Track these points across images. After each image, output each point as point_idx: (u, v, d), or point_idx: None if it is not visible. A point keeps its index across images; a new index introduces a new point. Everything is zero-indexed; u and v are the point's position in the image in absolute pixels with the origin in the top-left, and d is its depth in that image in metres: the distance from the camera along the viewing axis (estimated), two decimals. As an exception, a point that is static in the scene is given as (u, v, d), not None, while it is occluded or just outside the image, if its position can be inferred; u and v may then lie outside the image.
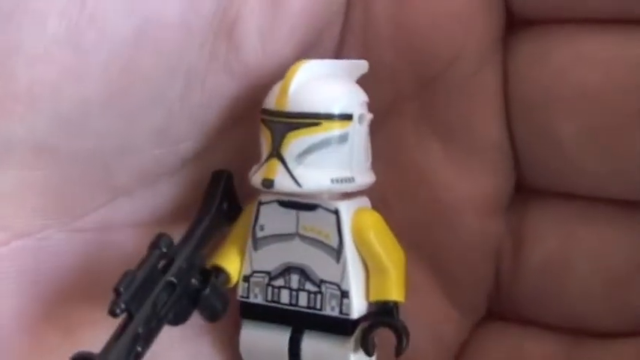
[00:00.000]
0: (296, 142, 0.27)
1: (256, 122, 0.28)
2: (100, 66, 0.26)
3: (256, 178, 0.27)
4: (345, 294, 0.28)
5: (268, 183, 0.27)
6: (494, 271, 0.31)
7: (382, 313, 0.28)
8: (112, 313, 0.25)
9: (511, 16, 0.29)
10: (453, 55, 0.29)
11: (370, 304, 0.28)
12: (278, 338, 0.28)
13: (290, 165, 0.27)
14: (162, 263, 0.26)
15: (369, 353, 0.28)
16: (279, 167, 0.27)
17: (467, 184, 0.30)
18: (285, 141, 0.27)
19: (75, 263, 0.28)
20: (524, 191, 0.30)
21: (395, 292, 0.28)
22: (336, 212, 0.27)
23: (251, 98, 0.28)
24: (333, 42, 0.30)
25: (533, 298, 0.30)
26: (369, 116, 0.28)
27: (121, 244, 0.29)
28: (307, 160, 0.27)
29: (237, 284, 0.29)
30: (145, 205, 0.29)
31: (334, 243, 0.28)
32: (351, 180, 0.28)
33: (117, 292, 0.25)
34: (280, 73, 0.28)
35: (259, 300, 0.28)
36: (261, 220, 0.28)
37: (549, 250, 0.30)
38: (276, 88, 0.27)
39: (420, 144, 0.30)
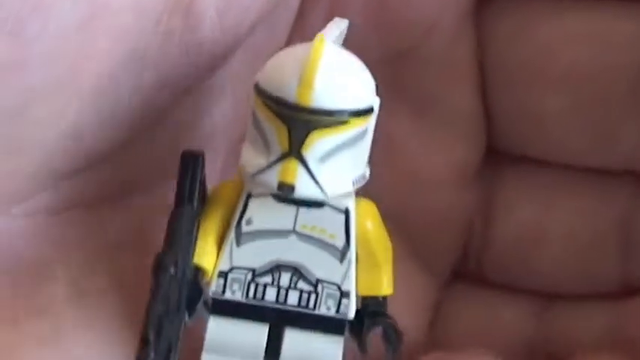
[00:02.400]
0: (321, 143, 0.23)
1: (202, 93, 0.26)
2: (46, 55, 0.23)
3: (267, 179, 0.23)
4: (345, 294, 0.25)
5: (288, 188, 0.23)
6: (464, 238, 0.30)
7: (373, 307, 0.26)
8: None
9: None
10: (426, 28, 0.28)
11: (359, 299, 0.26)
12: (255, 330, 0.25)
13: (313, 168, 0.23)
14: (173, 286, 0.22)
15: (364, 351, 0.26)
16: (300, 170, 0.23)
17: (437, 153, 0.29)
18: (309, 140, 0.23)
19: (10, 249, 0.26)
20: (497, 159, 0.30)
21: (385, 286, 0.26)
22: (346, 212, 0.25)
23: (201, 74, 0.26)
24: (290, 12, 0.28)
25: (505, 265, 0.30)
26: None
27: (67, 225, 0.26)
28: (330, 161, 0.23)
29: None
30: (91, 186, 0.26)
31: (339, 243, 0.25)
32: (364, 177, 0.25)
33: (146, 340, 0.21)
34: (235, 47, 0.26)
35: (237, 297, 0.25)
36: (249, 214, 0.24)
37: (520, 219, 0.30)
38: (290, 73, 0.23)
39: (390, 115, 0.28)
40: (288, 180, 0.23)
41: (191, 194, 0.24)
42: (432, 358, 0.29)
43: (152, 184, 0.27)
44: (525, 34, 0.28)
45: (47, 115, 0.24)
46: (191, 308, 0.24)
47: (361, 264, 0.26)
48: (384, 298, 0.26)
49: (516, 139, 0.30)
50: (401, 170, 0.29)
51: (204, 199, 0.25)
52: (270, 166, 0.23)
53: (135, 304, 0.25)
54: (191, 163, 0.24)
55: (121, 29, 0.24)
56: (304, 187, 0.23)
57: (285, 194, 0.23)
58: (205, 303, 0.25)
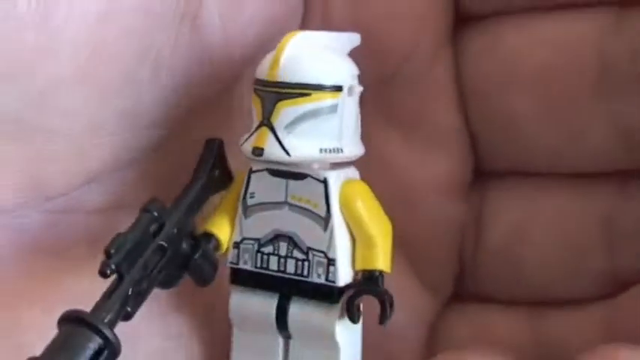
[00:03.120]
0: (285, 112, 0.27)
1: (222, 106, 0.30)
2: (71, 43, 0.26)
3: (246, 147, 0.28)
4: (331, 262, 0.28)
5: (258, 151, 0.27)
6: (458, 252, 0.32)
7: (367, 281, 0.28)
8: (103, 274, 0.25)
9: (460, 14, 0.31)
10: (406, 54, 0.31)
11: (356, 273, 0.28)
12: (266, 304, 0.29)
13: (279, 134, 0.27)
14: (153, 227, 0.27)
15: (354, 320, 0.28)
16: (269, 136, 0.27)
17: (427, 168, 0.32)
18: (276, 110, 0.27)
19: (42, 244, 0.29)
20: (483, 173, 0.32)
21: (381, 262, 0.28)
22: (325, 182, 0.28)
23: (214, 82, 0.29)
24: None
25: (495, 275, 0.32)
26: (359, 89, 0.28)
27: (87, 227, 0.29)
28: (297, 129, 0.27)
29: (227, 251, 0.29)
30: (113, 191, 0.30)
31: (322, 212, 0.28)
32: (339, 150, 0.28)
33: (107, 253, 0.26)
34: (242, 60, 0.29)
35: (248, 266, 0.29)
36: (252, 188, 0.29)
37: (507, 226, 0.32)
38: (269, 58, 0.28)
39: (380, 133, 0.32)
40: (259, 144, 0.27)
41: (203, 169, 0.29)
42: (445, 357, 0.29)
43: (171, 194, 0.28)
44: (496, 46, 0.31)
45: (72, 105, 0.26)
46: (188, 261, 0.28)
47: (357, 241, 0.28)
48: (381, 274, 0.28)
49: (496, 150, 0.31)
50: (394, 184, 0.32)
51: (226, 182, 0.30)
52: (249, 136, 0.28)
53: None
54: (210, 146, 0.29)
55: (133, 27, 0.26)
56: (270, 150, 0.27)
57: (256, 156, 0.27)
58: (213, 265, 0.28)
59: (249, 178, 0.29)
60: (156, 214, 0.27)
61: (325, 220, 0.28)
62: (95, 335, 0.24)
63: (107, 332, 0.24)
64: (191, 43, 0.28)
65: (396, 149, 0.32)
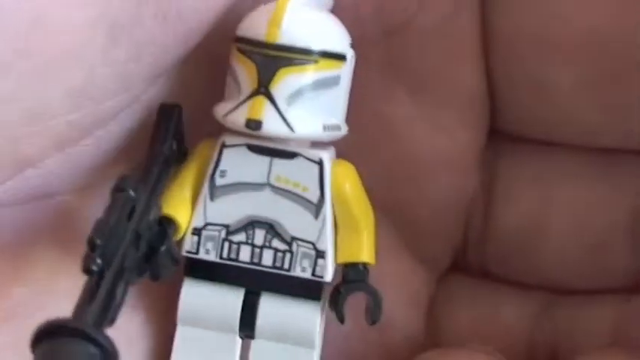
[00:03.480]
0: (289, 80, 0.23)
1: (189, 68, 0.25)
2: (2, 20, 0.21)
3: (235, 118, 0.23)
4: (320, 254, 0.24)
5: (255, 124, 0.23)
6: (463, 229, 0.29)
7: (353, 276, 0.25)
8: (88, 271, 0.20)
9: None
10: None
11: (336, 266, 0.25)
12: (229, 300, 0.25)
13: (280, 105, 0.23)
14: (127, 210, 0.22)
15: (342, 320, 0.25)
16: (268, 107, 0.23)
17: (438, 138, 0.28)
18: (276, 77, 0.23)
19: None
20: (499, 142, 0.28)
21: (365, 254, 0.25)
22: (320, 163, 0.24)
23: (179, 48, 0.24)
24: None
25: (505, 258, 0.29)
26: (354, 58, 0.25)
27: (33, 218, 0.25)
28: (299, 101, 0.23)
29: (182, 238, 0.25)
30: (58, 175, 0.25)
31: (314, 197, 0.24)
32: (338, 128, 0.24)
33: (92, 244, 0.21)
34: (211, 18, 0.24)
35: (211, 256, 0.25)
36: (224, 165, 0.24)
37: (524, 209, 0.28)
38: (262, 17, 0.23)
39: (387, 94, 0.27)
40: (256, 116, 0.23)
41: (165, 140, 0.24)
42: (429, 356, 0.27)
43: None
44: (535, 3, 0.26)
45: (7, 91, 0.22)
46: (154, 253, 0.23)
47: (340, 229, 0.25)
48: (365, 267, 0.25)
49: (521, 118, 0.28)
50: (399, 155, 0.28)
51: (183, 153, 0.25)
52: (239, 105, 0.23)
53: None
54: (166, 113, 0.24)
55: None
56: (271, 124, 0.23)
57: (251, 130, 0.23)
58: (173, 257, 0.24)
59: (220, 153, 0.24)
60: (132, 194, 0.22)
61: (317, 207, 0.24)
62: (88, 344, 0.19)
63: (102, 339, 0.19)
64: (158, 5, 0.23)
65: (402, 113, 0.27)
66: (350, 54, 0.24)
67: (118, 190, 0.22)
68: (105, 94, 0.23)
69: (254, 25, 0.23)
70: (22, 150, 0.23)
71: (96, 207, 0.24)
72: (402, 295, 0.28)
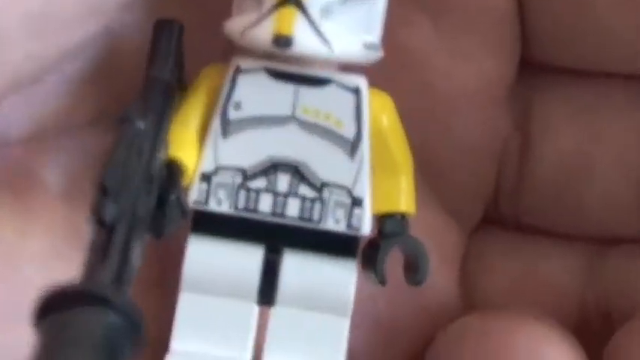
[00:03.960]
0: None
1: None
2: None
3: (258, 33, 0.19)
4: (357, 202, 0.20)
5: (284, 40, 0.19)
6: (495, 175, 0.25)
7: (392, 228, 0.21)
8: (101, 222, 0.16)
9: None
10: None
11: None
12: (245, 260, 0.20)
13: (315, 17, 0.19)
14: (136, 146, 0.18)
15: (384, 282, 0.21)
16: (300, 19, 0.19)
17: (464, 68, 0.24)
18: None
19: None
20: (532, 73, 0.25)
21: (405, 202, 0.21)
22: (357, 91, 0.20)
23: None
24: None
25: (543, 206, 0.25)
26: None
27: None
28: (335, 14, 0.19)
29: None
30: (12, 120, 0.21)
31: (349, 132, 0.20)
32: (377, 47, 0.20)
33: (104, 188, 0.16)
34: None
35: (224, 207, 0.20)
36: (238, 96, 0.20)
37: (565, 148, 0.25)
38: None
39: (406, 20, 0.24)
40: (285, 30, 0.19)
41: (165, 63, 0.19)
42: (468, 321, 0.23)
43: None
44: None
45: None
46: (162, 206, 0.19)
47: (376, 172, 0.21)
48: (404, 216, 0.21)
49: (556, 44, 0.24)
50: (421, 90, 0.24)
51: (183, 83, 0.21)
52: (262, 17, 0.19)
53: None
54: (166, 30, 0.20)
55: None
56: (305, 40, 0.19)
57: (281, 48, 0.19)
58: (182, 207, 0.20)
59: (233, 80, 0.20)
60: (141, 125, 0.18)
61: (353, 145, 0.20)
62: (108, 312, 0.15)
63: (124, 304, 0.15)
64: None
65: (421, 40, 0.24)
66: None
67: (124, 120, 0.17)
68: (70, 20, 0.19)
69: None
70: None
71: (60, 156, 0.21)
72: (434, 250, 0.24)
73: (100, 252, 0.16)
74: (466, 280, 0.25)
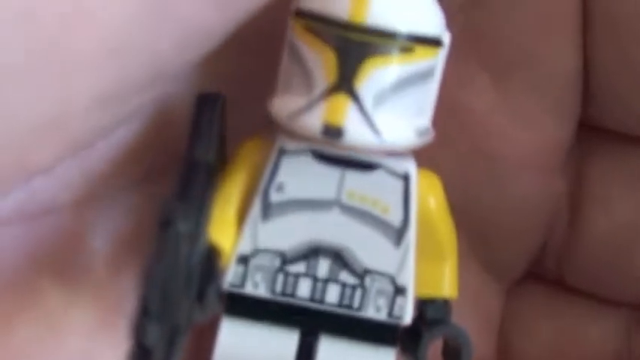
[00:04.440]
0: (379, 74, 0.18)
1: (236, 53, 0.20)
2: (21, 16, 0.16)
3: (308, 121, 0.18)
4: (400, 290, 0.19)
5: (335, 131, 0.18)
6: (543, 236, 0.24)
7: (433, 314, 0.20)
8: (140, 346, 0.15)
9: None
10: None
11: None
12: (280, 343, 0.20)
13: (367, 107, 0.18)
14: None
15: None
16: (352, 108, 0.18)
17: (523, 131, 0.23)
18: (363, 70, 0.18)
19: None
20: (590, 138, 0.24)
21: (448, 287, 0.20)
22: (406, 178, 0.19)
23: (232, 24, 0.19)
24: None
25: (591, 270, 0.24)
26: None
27: (38, 238, 0.20)
28: (389, 100, 0.18)
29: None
30: (67, 183, 0.20)
31: (396, 219, 0.19)
32: (428, 132, 0.19)
33: (145, 310, 0.15)
34: None
35: (261, 291, 0.19)
36: (282, 177, 0.19)
37: (619, 216, 0.24)
38: None
39: (466, 80, 0.23)
40: (336, 120, 0.18)
41: (208, 142, 0.18)
42: None
43: (161, 171, 0.21)
44: None
45: (17, 100, 0.17)
46: (202, 295, 0.18)
47: (420, 255, 0.20)
48: (447, 302, 0.20)
49: (617, 111, 0.24)
50: (477, 151, 0.23)
51: (223, 159, 0.20)
52: (312, 103, 0.18)
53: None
54: (209, 105, 0.19)
55: None
56: (357, 131, 0.18)
57: (331, 139, 0.18)
58: (220, 294, 0.19)
59: (277, 161, 0.19)
60: (182, 227, 0.17)
61: (399, 233, 0.19)
62: None
63: None
64: None
65: (483, 103, 0.23)
66: (447, 37, 0.19)
67: (165, 224, 0.16)
68: (135, 91, 0.18)
69: (332, 0, 0.18)
70: (33, 158, 0.18)
71: (105, 220, 0.20)
72: (471, 311, 0.24)
73: None
74: (503, 339, 0.25)
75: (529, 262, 0.25)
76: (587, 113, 0.24)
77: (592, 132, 0.24)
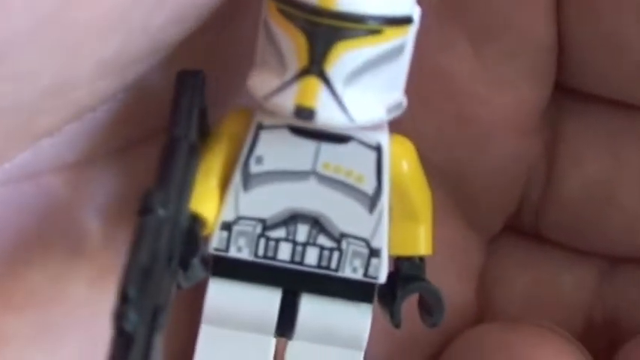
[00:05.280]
0: (348, 57, 0.18)
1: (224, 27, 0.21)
2: None
3: (281, 101, 0.19)
4: (375, 252, 0.21)
5: (307, 113, 0.19)
6: (520, 193, 0.26)
7: (408, 270, 0.22)
8: (121, 332, 0.16)
9: None
10: None
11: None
12: (264, 302, 0.21)
13: (337, 88, 0.19)
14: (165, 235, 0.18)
15: (398, 325, 0.21)
16: (322, 90, 0.19)
17: (501, 95, 0.24)
18: (332, 54, 0.18)
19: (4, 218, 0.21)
20: (563, 100, 0.25)
21: (423, 245, 0.22)
22: (378, 149, 0.20)
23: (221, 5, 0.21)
24: None
25: (566, 224, 0.26)
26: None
27: (50, 191, 0.21)
28: (358, 82, 0.19)
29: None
30: (73, 142, 0.21)
31: (369, 188, 0.20)
32: (400, 106, 0.20)
33: (124, 296, 0.16)
34: None
35: (244, 254, 0.21)
36: (260, 151, 0.20)
37: (591, 173, 0.25)
38: None
39: (447, 45, 0.23)
40: (308, 102, 0.19)
41: (189, 120, 0.19)
42: (481, 332, 0.24)
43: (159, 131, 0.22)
44: None
45: (25, 68, 0.18)
46: (186, 266, 0.19)
47: (395, 216, 0.21)
48: (422, 259, 0.21)
49: (590, 76, 0.25)
50: (457, 114, 0.24)
51: (205, 131, 0.21)
52: (284, 86, 0.19)
53: None
54: (189, 83, 0.20)
55: None
56: (327, 112, 0.19)
57: (303, 119, 0.19)
58: (204, 262, 0.20)
59: (255, 136, 0.20)
60: (162, 212, 0.18)
61: (372, 199, 0.20)
62: None
63: None
64: None
65: (463, 68, 0.24)
66: (417, 12, 0.20)
67: (146, 211, 0.17)
68: (135, 60, 0.20)
69: None
70: (41, 122, 0.19)
71: (105, 178, 0.22)
72: (452, 264, 0.25)
73: (121, 354, 0.16)
74: (482, 289, 0.26)
75: (507, 217, 0.26)
76: (563, 77, 0.25)
77: (568, 94, 0.25)
